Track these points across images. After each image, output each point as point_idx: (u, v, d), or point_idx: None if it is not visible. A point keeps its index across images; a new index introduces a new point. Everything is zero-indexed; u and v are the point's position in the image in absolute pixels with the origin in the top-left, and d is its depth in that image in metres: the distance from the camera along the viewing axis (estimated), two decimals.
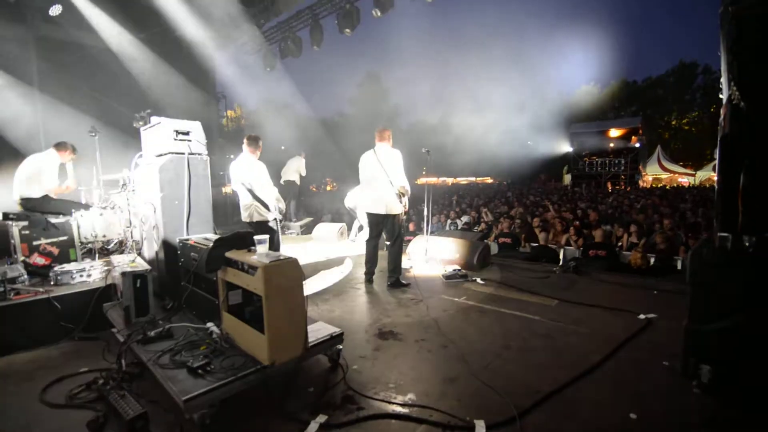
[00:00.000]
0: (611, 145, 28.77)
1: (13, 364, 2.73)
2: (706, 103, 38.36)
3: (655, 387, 2.36)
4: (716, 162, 2.28)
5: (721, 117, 2.26)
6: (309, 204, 15.03)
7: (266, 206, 4.30)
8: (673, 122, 40.60)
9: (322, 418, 2.06)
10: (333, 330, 2.63)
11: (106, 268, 3.56)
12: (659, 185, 26.97)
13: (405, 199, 4.47)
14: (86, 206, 4.55)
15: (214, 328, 2.53)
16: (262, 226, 4.30)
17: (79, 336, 3.10)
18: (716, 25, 2.37)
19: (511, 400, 2.18)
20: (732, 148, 2.18)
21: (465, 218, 9.50)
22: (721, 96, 2.31)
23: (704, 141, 36.11)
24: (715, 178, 2.29)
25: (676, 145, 38.25)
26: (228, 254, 2.45)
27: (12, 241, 3.94)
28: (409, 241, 6.06)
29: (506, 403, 2.17)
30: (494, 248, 6.97)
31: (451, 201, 14.68)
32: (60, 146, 4.51)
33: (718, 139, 2.24)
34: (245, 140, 4.38)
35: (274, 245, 4.22)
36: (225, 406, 2.07)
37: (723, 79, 2.26)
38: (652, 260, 5.57)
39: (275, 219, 4.41)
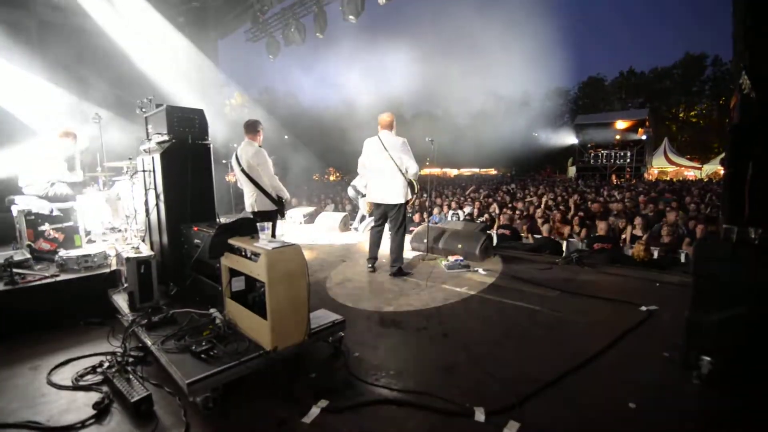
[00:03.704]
0: (617, 137, 28.50)
1: (20, 346, 2.77)
2: (714, 95, 37.79)
3: (654, 378, 2.36)
4: (724, 153, 2.25)
5: (731, 107, 2.22)
6: (312, 193, 15.04)
7: (268, 195, 4.27)
8: (681, 114, 40.09)
9: (323, 403, 2.09)
10: (335, 317, 2.65)
11: (110, 254, 3.59)
12: (665, 178, 26.75)
13: (415, 186, 4.45)
14: (91, 192, 4.57)
15: (218, 314, 2.55)
16: (264, 216, 4.26)
17: (84, 320, 3.14)
18: (729, 14, 2.32)
19: (511, 388, 2.20)
20: (741, 138, 2.15)
21: (467, 209, 9.48)
22: (731, 86, 2.27)
23: (712, 134, 35.71)
24: (722, 171, 2.27)
25: (683, 138, 37.83)
26: (231, 241, 2.46)
27: (18, 227, 3.98)
28: (412, 231, 6.07)
29: (506, 390, 2.19)
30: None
31: (454, 191, 14.64)
32: (62, 132, 4.51)
33: (728, 129, 2.21)
34: (244, 128, 4.27)
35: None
36: (228, 390, 2.10)
37: (734, 69, 2.22)
38: (656, 253, 5.55)
39: (276, 211, 4.34)
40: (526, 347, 2.78)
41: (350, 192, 7.79)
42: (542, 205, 9.13)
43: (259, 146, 4.23)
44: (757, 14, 2.12)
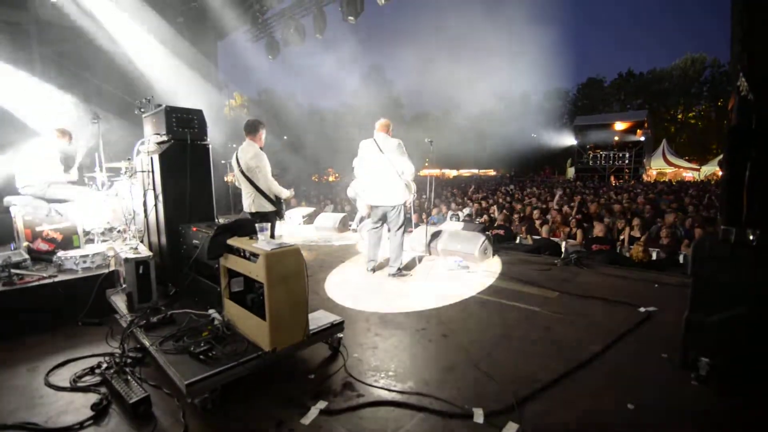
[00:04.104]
0: (616, 138, 28.57)
1: (18, 347, 2.77)
2: (713, 96, 37.91)
3: (653, 379, 2.37)
4: (723, 154, 2.26)
5: (729, 109, 2.23)
6: (311, 194, 15.04)
7: (266, 196, 4.25)
8: (680, 116, 40.18)
9: (322, 404, 2.09)
10: (334, 318, 2.65)
11: (109, 254, 3.58)
12: (663, 179, 26.81)
13: (412, 187, 4.45)
14: (89, 193, 4.55)
15: (216, 315, 2.55)
16: (263, 218, 4.23)
17: (83, 321, 3.13)
18: (727, 16, 2.33)
19: (510, 389, 2.20)
20: (739, 140, 2.15)
21: (467, 210, 9.48)
22: (729, 88, 2.28)
23: (710, 135, 35.80)
24: (720, 172, 2.29)
25: (681, 139, 37.93)
26: (230, 241, 2.45)
27: (16, 227, 3.96)
28: (411, 232, 6.07)
29: (505, 391, 2.19)
30: None
31: (453, 192, 14.65)
32: (59, 131, 4.50)
33: (726, 131, 2.21)
34: (244, 128, 4.19)
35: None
36: (227, 391, 2.09)
37: (732, 71, 2.23)
38: (654, 254, 5.56)
39: (275, 212, 4.31)
40: (526, 348, 2.78)
41: (350, 192, 7.74)
42: (555, 199, 9.15)
43: (261, 147, 4.20)
44: (755, 16, 2.13)
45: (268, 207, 4.24)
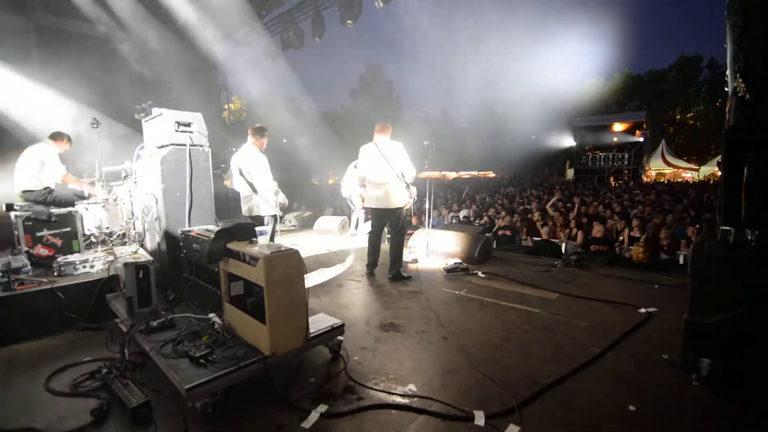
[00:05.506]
0: (615, 139, 28.57)
1: (17, 353, 2.76)
2: (711, 97, 37.95)
3: (654, 380, 2.37)
4: (721, 155, 2.27)
5: (727, 109, 2.24)
6: (310, 197, 15.03)
7: (265, 200, 4.26)
8: (678, 116, 40.22)
9: (323, 408, 2.08)
10: (334, 321, 2.65)
11: (109, 259, 3.58)
12: (662, 180, 26.83)
13: (413, 190, 4.46)
14: (89, 198, 4.55)
15: (216, 319, 2.55)
16: (261, 221, 4.26)
17: (83, 326, 3.13)
18: (723, 16, 2.35)
19: (511, 391, 2.19)
20: (736, 140, 2.16)
21: (464, 212, 9.49)
22: (726, 89, 2.29)
23: (709, 136, 35.81)
24: (719, 172, 2.29)
25: (680, 140, 37.95)
26: (230, 245, 2.45)
27: (16, 232, 3.96)
28: (411, 234, 6.07)
29: (505, 394, 2.19)
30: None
31: (453, 194, 14.65)
32: (56, 136, 4.50)
33: (723, 131, 2.22)
34: (250, 131, 4.28)
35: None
36: (227, 395, 2.09)
37: (729, 71, 2.24)
38: (654, 255, 5.56)
39: (274, 215, 4.33)
40: (526, 350, 2.77)
41: (344, 191, 7.44)
42: (549, 205, 9.16)
43: (261, 151, 4.23)
44: (751, 16, 2.14)
45: (268, 210, 4.25)
